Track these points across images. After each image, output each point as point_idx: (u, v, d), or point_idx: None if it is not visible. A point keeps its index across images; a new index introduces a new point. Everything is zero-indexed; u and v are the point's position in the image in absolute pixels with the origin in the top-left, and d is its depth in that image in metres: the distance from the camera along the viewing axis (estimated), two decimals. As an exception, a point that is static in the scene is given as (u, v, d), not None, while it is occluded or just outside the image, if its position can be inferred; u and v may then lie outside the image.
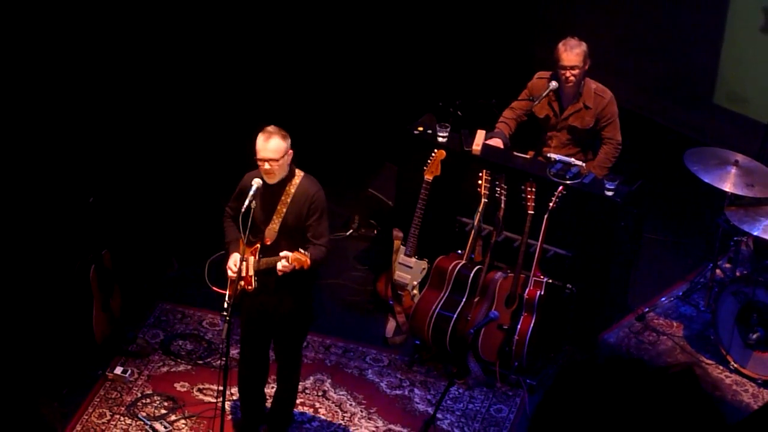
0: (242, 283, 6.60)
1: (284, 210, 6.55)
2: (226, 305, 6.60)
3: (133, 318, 8.09)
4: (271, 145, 6.40)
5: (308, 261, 6.33)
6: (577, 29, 8.08)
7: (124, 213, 8.61)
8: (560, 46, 7.73)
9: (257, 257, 6.61)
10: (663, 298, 8.52)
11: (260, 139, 6.44)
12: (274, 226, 6.59)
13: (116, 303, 7.87)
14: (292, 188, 6.56)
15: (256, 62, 10.20)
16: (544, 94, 7.81)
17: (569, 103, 7.93)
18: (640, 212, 8.02)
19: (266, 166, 6.43)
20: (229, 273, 6.64)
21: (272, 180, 6.50)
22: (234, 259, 6.63)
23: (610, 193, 7.57)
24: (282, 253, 6.41)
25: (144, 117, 9.30)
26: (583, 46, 7.71)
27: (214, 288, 6.95)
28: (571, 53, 7.70)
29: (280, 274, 6.41)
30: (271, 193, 6.56)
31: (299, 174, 6.59)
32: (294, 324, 6.82)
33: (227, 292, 6.67)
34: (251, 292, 6.65)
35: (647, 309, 8.39)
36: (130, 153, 9.07)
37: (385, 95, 10.37)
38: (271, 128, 6.45)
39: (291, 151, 6.48)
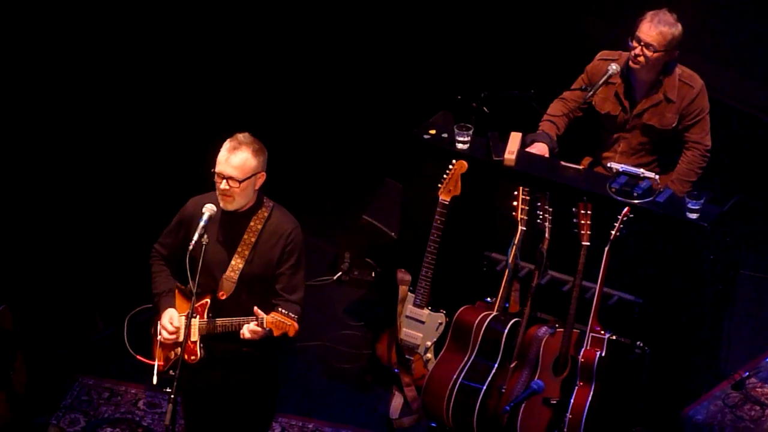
0: (179, 350, 6.18)
1: (247, 252, 6.12)
2: (155, 378, 6.21)
3: (44, 398, 7.57)
4: (236, 160, 5.95)
5: (295, 326, 5.97)
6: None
7: (30, 257, 8.38)
8: (647, 14, 7.38)
9: (206, 317, 6.12)
10: (768, 359, 8.15)
11: (224, 149, 6.03)
12: (233, 273, 6.12)
13: (19, 378, 7.28)
14: (259, 223, 6.13)
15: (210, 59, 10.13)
16: (601, 81, 7.41)
17: (645, 93, 7.46)
18: (734, 241, 7.48)
19: (223, 184, 5.97)
20: (164, 334, 6.16)
21: (229, 206, 6.04)
22: (169, 316, 6.17)
23: (693, 216, 7.08)
24: (258, 314, 5.95)
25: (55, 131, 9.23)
26: (677, 29, 7.34)
27: (139, 357, 6.52)
28: (655, 27, 7.28)
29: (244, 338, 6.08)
30: (229, 228, 6.11)
31: (268, 204, 6.19)
32: (253, 404, 6.37)
33: (156, 362, 6.29)
34: (194, 364, 6.18)
35: (747, 373, 7.55)
36: (39, 179, 8.95)
37: (385, 88, 10.28)
38: (242, 137, 6.06)
39: (263, 175, 6.10)
